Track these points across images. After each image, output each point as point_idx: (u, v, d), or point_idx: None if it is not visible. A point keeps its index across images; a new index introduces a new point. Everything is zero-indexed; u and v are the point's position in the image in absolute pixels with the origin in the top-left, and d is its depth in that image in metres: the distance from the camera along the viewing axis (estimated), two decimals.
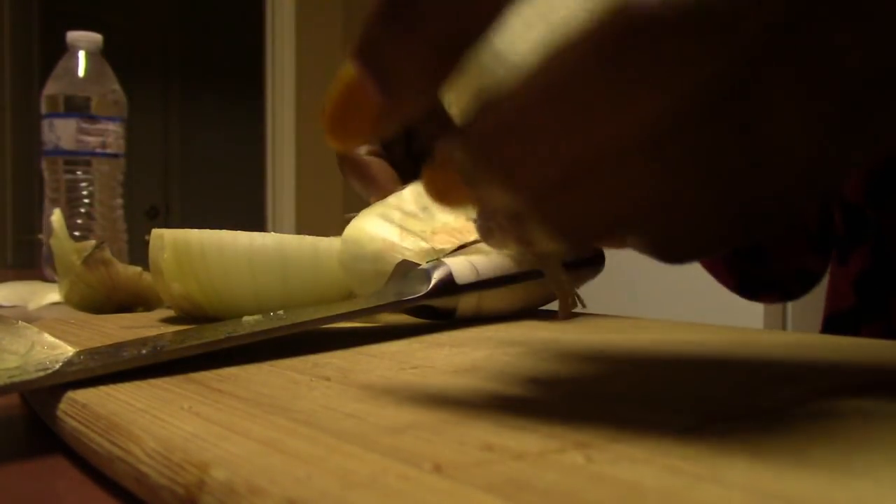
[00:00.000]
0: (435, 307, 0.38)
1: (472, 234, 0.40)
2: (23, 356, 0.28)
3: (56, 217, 0.57)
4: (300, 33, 2.68)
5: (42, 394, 0.25)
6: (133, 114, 0.89)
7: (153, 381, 0.25)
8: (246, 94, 3.94)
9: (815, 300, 0.60)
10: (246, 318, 0.32)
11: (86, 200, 0.81)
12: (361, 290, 0.40)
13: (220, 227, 0.41)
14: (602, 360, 0.28)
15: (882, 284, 0.48)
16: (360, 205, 0.44)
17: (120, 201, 0.84)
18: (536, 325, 0.37)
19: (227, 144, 4.36)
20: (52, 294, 0.62)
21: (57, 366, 0.25)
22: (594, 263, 0.43)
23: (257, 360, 0.28)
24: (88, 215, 0.81)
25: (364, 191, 0.47)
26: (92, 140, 0.81)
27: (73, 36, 0.82)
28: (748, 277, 0.55)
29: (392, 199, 0.43)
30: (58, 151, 0.81)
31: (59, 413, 0.23)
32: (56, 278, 0.60)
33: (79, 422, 0.22)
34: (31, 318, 0.39)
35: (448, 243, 0.40)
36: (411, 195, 0.42)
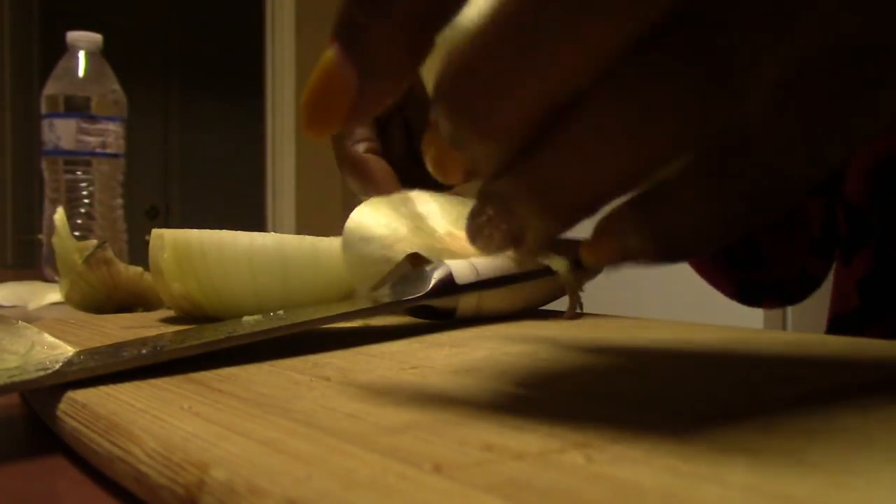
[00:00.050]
0: (435, 307, 0.38)
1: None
2: (23, 356, 0.28)
3: (59, 216, 0.57)
4: (300, 33, 2.68)
5: (42, 394, 0.25)
6: (133, 114, 0.90)
7: (153, 381, 0.25)
8: (246, 95, 3.94)
9: (815, 301, 0.60)
10: (246, 318, 0.32)
11: (86, 200, 0.81)
12: (359, 275, 0.39)
13: (220, 227, 0.41)
14: (602, 360, 0.28)
15: (886, 286, 0.48)
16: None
17: (120, 201, 0.84)
18: (537, 325, 0.37)
19: (227, 145, 4.37)
20: (52, 294, 0.62)
21: (57, 366, 0.25)
22: None
23: (257, 360, 0.28)
24: (88, 215, 0.81)
25: (361, 190, 0.46)
26: (92, 140, 0.81)
27: (73, 36, 0.82)
28: (748, 284, 0.55)
29: (404, 197, 0.42)
30: (58, 151, 0.81)
31: (59, 413, 0.23)
32: (56, 278, 0.60)
33: (79, 422, 0.22)
34: (31, 318, 0.39)
35: (458, 248, 0.39)
36: (439, 208, 0.42)
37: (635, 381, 0.24)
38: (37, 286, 0.70)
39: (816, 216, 0.52)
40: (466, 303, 0.38)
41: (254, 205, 3.09)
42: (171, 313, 0.46)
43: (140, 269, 0.53)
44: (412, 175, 0.45)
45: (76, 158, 0.81)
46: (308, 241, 0.41)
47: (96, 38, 0.83)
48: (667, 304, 1.61)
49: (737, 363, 0.27)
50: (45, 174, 0.82)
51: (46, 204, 0.82)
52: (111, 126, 0.82)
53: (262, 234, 0.40)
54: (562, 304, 0.41)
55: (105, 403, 0.22)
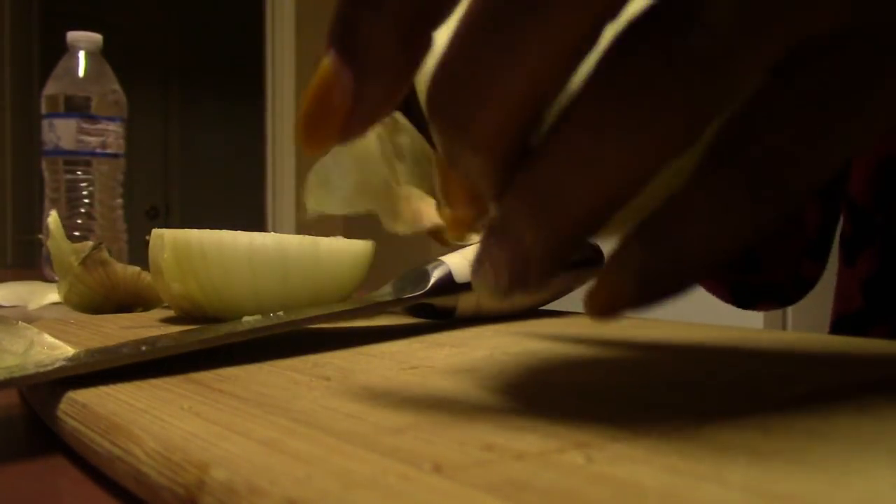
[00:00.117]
0: (434, 306, 0.38)
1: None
2: (22, 356, 0.28)
3: (52, 219, 0.57)
4: (300, 33, 2.68)
5: (42, 394, 0.25)
6: (133, 114, 0.89)
7: (153, 381, 0.25)
8: (246, 95, 3.94)
9: (814, 301, 0.60)
10: (246, 319, 0.32)
11: (86, 200, 0.81)
12: (318, 200, 0.35)
13: (220, 228, 0.41)
14: (602, 360, 0.28)
15: (890, 287, 0.48)
16: None
17: (120, 201, 0.84)
18: (537, 325, 0.37)
19: (227, 145, 4.37)
20: (51, 294, 0.62)
21: (56, 364, 0.25)
22: (594, 263, 0.43)
23: (257, 360, 0.28)
24: (88, 215, 0.81)
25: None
26: (92, 140, 0.81)
27: (73, 36, 0.82)
28: (742, 287, 0.55)
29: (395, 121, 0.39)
30: (58, 151, 0.81)
31: (59, 413, 0.23)
32: (56, 278, 0.59)
33: (79, 422, 0.22)
34: (31, 318, 0.39)
35: (410, 215, 0.36)
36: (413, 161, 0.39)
37: (635, 381, 0.24)
38: (36, 286, 0.70)
39: (813, 218, 0.52)
40: (466, 302, 0.38)
41: (254, 205, 3.09)
42: (170, 313, 0.46)
43: (137, 268, 0.53)
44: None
45: (76, 158, 0.81)
46: (308, 241, 0.41)
47: (96, 38, 0.83)
48: (667, 304, 1.61)
49: (737, 363, 0.27)
50: (45, 174, 0.82)
51: (46, 204, 0.82)
52: (111, 126, 0.82)
53: (262, 234, 0.40)
54: (562, 304, 0.41)
55: (105, 403, 0.22)
